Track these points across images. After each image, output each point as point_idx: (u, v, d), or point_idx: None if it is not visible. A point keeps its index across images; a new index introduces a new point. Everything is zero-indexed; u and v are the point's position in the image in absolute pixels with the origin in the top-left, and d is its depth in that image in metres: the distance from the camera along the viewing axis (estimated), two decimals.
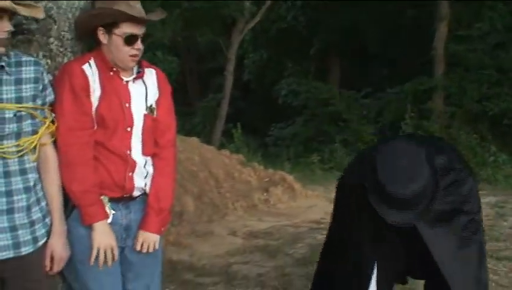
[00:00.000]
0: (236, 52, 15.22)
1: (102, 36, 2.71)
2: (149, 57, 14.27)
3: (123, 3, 2.66)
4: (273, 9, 18.45)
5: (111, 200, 2.75)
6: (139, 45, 2.72)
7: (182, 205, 7.21)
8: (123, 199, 2.78)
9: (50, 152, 2.63)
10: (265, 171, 9.47)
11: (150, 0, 13.37)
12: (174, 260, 5.95)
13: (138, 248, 2.82)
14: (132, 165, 2.75)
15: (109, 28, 2.68)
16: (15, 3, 2.40)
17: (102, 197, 2.71)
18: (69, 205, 2.69)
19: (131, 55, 2.72)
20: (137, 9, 2.70)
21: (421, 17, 16.40)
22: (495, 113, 13.19)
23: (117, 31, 2.67)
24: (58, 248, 2.62)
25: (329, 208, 8.82)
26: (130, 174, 2.76)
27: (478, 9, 14.26)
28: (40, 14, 2.57)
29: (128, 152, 2.75)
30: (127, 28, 2.68)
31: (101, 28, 2.70)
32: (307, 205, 8.66)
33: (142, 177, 2.81)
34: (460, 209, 2.72)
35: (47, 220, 2.62)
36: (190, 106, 22.70)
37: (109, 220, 2.73)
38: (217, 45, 16.26)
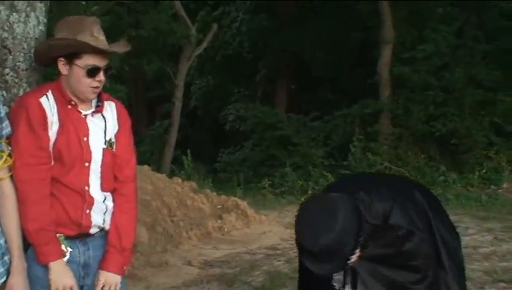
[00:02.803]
0: (184, 79, 15.19)
1: (62, 67, 2.62)
2: None
3: (87, 34, 2.59)
4: (219, 36, 18.53)
5: (67, 238, 2.64)
6: (101, 76, 2.64)
7: (135, 236, 7.06)
8: (80, 236, 2.68)
9: (7, 187, 2.53)
10: (218, 198, 9.41)
11: None
12: None
13: (99, 289, 2.72)
14: (90, 201, 2.66)
15: (70, 58, 2.59)
16: None
17: (58, 235, 2.61)
18: (25, 242, 2.58)
19: (93, 87, 2.64)
20: (101, 41, 2.63)
21: (367, 41, 16.76)
22: (442, 133, 13.47)
23: (79, 62, 2.59)
24: (18, 287, 2.51)
25: (284, 233, 8.85)
26: (88, 211, 2.66)
27: (421, 32, 14.66)
28: None
29: (86, 188, 2.65)
30: (89, 60, 2.60)
31: (61, 59, 2.60)
32: (261, 231, 8.62)
33: (100, 214, 2.71)
34: (404, 265, 2.70)
35: (6, 258, 2.51)
36: (138, 134, 22.45)
37: (66, 259, 2.62)
38: (164, 72, 16.18)
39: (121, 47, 2.85)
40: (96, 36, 2.62)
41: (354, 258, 2.59)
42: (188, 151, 13.22)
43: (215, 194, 9.65)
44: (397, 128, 14.37)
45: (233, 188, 13.04)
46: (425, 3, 14.86)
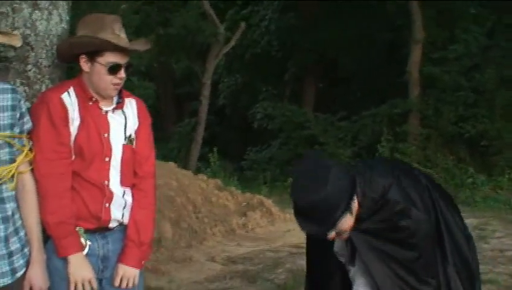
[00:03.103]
0: (211, 77, 15.25)
1: (84, 64, 2.67)
2: (125, 83, 14.18)
3: (109, 32, 2.64)
4: (247, 35, 18.56)
5: (86, 231, 2.69)
6: (122, 74, 2.69)
7: (160, 231, 7.13)
8: (99, 229, 2.73)
9: (28, 181, 2.58)
10: (243, 196, 9.44)
11: (126, 30, 13.43)
12: (153, 287, 5.85)
13: (117, 283, 2.76)
14: (109, 196, 2.71)
15: (92, 56, 2.64)
16: None
17: (77, 228, 2.66)
18: (44, 235, 2.64)
19: (114, 84, 2.69)
20: (122, 39, 2.68)
21: (396, 40, 16.62)
22: (472, 135, 13.29)
23: (101, 59, 2.64)
24: (37, 278, 2.56)
25: None
26: (107, 205, 2.70)
27: (451, 32, 14.49)
28: (18, 42, 2.55)
29: (106, 183, 2.70)
30: (111, 57, 2.64)
31: (83, 56, 2.65)
32: (285, 229, 8.62)
33: (119, 208, 2.75)
34: (400, 242, 2.69)
35: (26, 250, 2.56)
36: (166, 131, 22.63)
37: (85, 252, 2.67)
38: (193, 70, 16.29)
39: (141, 45, 2.89)
40: (117, 34, 2.67)
41: (345, 224, 2.61)
42: (215, 149, 13.29)
43: (240, 191, 9.69)
44: (426, 129, 14.22)
45: (259, 186, 13.07)
46: (456, 3, 14.66)
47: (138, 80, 15.10)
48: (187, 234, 7.50)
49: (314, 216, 2.55)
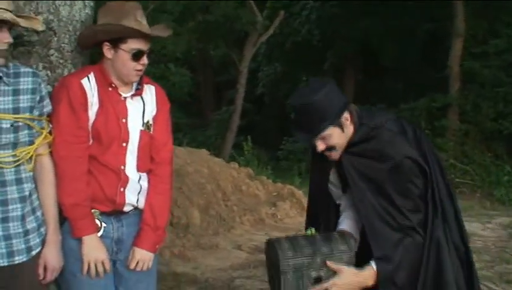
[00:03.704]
0: (248, 65, 15.25)
1: (107, 51, 2.72)
2: (162, 70, 14.32)
3: (131, 19, 2.68)
4: (288, 23, 18.49)
5: (102, 214, 2.75)
6: (144, 60, 2.74)
7: (188, 217, 7.21)
8: (114, 212, 2.79)
9: (46, 162, 2.66)
10: (274, 185, 9.44)
11: (166, 13, 13.54)
12: (178, 273, 5.94)
13: (133, 266, 2.82)
14: (124, 180, 2.76)
15: (116, 42, 2.69)
16: (15, 15, 2.43)
17: (93, 210, 2.72)
18: (62, 216, 2.71)
19: (137, 70, 2.73)
20: (144, 25, 2.73)
21: (437, 33, 16.33)
22: (511, 132, 13.02)
23: (124, 46, 2.69)
24: (52, 257, 2.63)
25: None
26: (122, 189, 2.76)
27: (493, 26, 14.16)
28: (39, 26, 2.61)
29: (122, 167, 2.76)
30: (134, 44, 2.69)
31: (107, 43, 2.70)
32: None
33: (134, 193, 2.80)
34: (390, 171, 2.72)
35: (42, 229, 2.64)
36: (205, 118, 22.78)
37: (100, 233, 2.73)
38: (231, 57, 16.33)
39: (162, 31, 2.92)
40: (139, 21, 2.72)
41: (334, 139, 2.70)
42: (249, 137, 13.31)
43: (271, 181, 9.69)
44: (464, 124, 13.95)
45: (293, 176, 13.04)
46: None
47: (175, 67, 15.17)
48: (215, 222, 7.55)
49: (304, 122, 2.69)
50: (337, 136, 2.71)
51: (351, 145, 2.76)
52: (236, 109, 14.97)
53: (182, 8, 14.36)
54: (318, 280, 2.68)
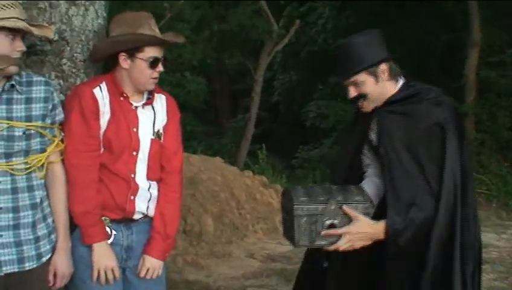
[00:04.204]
0: (264, 74, 15.27)
1: (124, 61, 2.75)
2: (178, 78, 14.39)
3: (146, 28, 2.73)
4: (304, 32, 18.50)
5: (112, 221, 2.78)
6: (160, 67, 2.78)
7: (201, 225, 7.23)
8: (124, 220, 2.82)
9: (58, 170, 2.69)
10: None
11: (183, 22, 13.63)
12: (191, 281, 5.95)
13: (143, 274, 2.85)
14: (134, 188, 2.79)
15: (132, 52, 2.72)
16: (28, 24, 2.48)
17: (103, 218, 2.75)
18: (72, 223, 2.74)
19: (153, 78, 2.77)
20: (158, 32, 2.77)
21: (454, 42, 16.26)
22: None
23: (141, 55, 2.72)
24: (62, 264, 2.66)
25: None
26: (132, 197, 2.79)
27: (511, 36, 14.07)
28: (51, 34, 2.65)
29: (132, 176, 2.79)
30: (151, 52, 2.73)
31: (123, 54, 2.73)
32: None
33: (144, 201, 2.83)
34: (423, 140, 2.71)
35: (52, 236, 2.67)
36: (221, 126, 22.83)
37: (110, 241, 2.77)
38: (247, 66, 16.37)
39: (176, 38, 2.94)
40: (153, 29, 2.76)
41: (366, 86, 2.74)
42: (263, 145, 13.31)
43: None
44: (480, 133, 13.85)
45: (307, 185, 12.98)
46: None
47: (191, 75, 15.25)
48: (228, 230, 7.56)
49: (341, 63, 2.77)
50: (370, 86, 2.74)
51: (392, 102, 2.78)
52: (252, 117, 14.99)
53: (199, 17, 14.43)
54: (332, 227, 2.68)
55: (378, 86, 2.75)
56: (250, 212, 8.15)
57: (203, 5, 14.95)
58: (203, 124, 21.08)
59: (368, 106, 2.80)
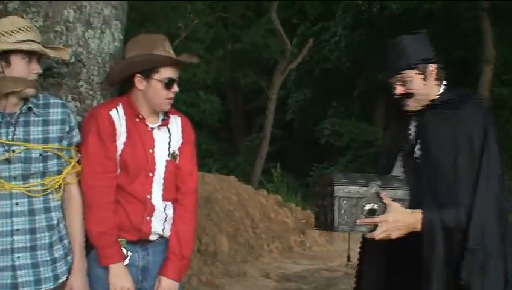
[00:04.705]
0: (278, 92, 15.34)
1: (139, 83, 2.77)
2: (192, 97, 14.51)
3: (161, 49, 2.75)
4: (318, 50, 18.57)
5: (128, 242, 2.79)
6: (175, 88, 2.80)
7: (216, 244, 7.22)
8: (140, 241, 2.82)
9: (74, 191, 2.71)
10: (303, 212, 9.42)
11: (197, 41, 13.75)
12: None
13: None
14: (150, 209, 2.79)
15: (148, 73, 2.75)
16: (44, 46, 2.51)
17: (120, 239, 2.76)
18: (89, 244, 2.75)
19: (168, 98, 2.79)
20: (172, 53, 2.80)
21: (468, 59, 16.24)
22: None
23: (157, 76, 2.74)
24: (78, 285, 2.67)
25: None
26: (148, 218, 2.79)
27: None
28: (67, 56, 2.69)
29: (148, 197, 2.79)
30: (166, 73, 2.75)
31: (138, 75, 2.76)
32: (343, 249, 8.46)
33: (160, 222, 2.84)
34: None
35: (69, 257, 2.68)
36: (234, 144, 22.87)
37: (126, 262, 2.77)
38: (260, 84, 16.45)
39: (190, 58, 2.96)
40: (168, 50, 2.78)
41: (414, 85, 2.69)
42: (278, 164, 13.31)
43: (300, 208, 9.67)
44: None
45: None
46: None
47: (206, 94, 15.36)
48: (243, 249, 7.55)
49: (389, 60, 2.75)
50: (418, 84, 2.71)
51: (436, 104, 2.73)
52: (266, 135, 15.02)
53: (212, 36, 14.56)
54: (372, 212, 2.60)
55: (426, 85, 2.72)
56: (265, 232, 8.14)
57: (216, 25, 15.08)
58: (217, 143, 21.15)
59: (413, 106, 2.74)
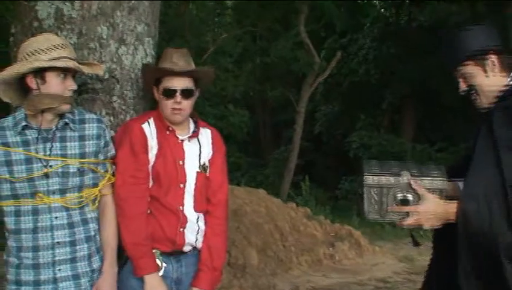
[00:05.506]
0: (306, 105, 15.35)
1: (156, 94, 2.86)
2: (221, 110, 14.60)
3: (167, 61, 2.80)
4: (346, 63, 18.57)
5: (162, 254, 2.83)
6: (177, 98, 2.79)
7: (245, 257, 7.23)
8: (174, 253, 2.86)
9: (109, 202, 2.78)
10: (332, 226, 9.38)
11: (225, 55, 13.87)
12: None
13: None
14: (183, 220, 2.83)
15: (157, 84, 2.83)
16: (78, 62, 2.58)
17: (154, 250, 2.80)
18: (124, 256, 2.79)
19: (172, 109, 2.80)
20: (179, 66, 2.80)
21: None
22: None
23: (160, 86, 2.82)
24: (105, 287, 2.71)
25: (397, 266, 8.68)
26: (181, 229, 2.83)
27: None
28: (101, 71, 2.75)
29: (181, 208, 2.83)
30: (167, 83, 2.80)
31: (154, 86, 2.85)
32: (373, 262, 8.50)
33: (193, 233, 2.87)
34: None
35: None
36: (263, 157, 22.92)
37: (161, 273, 2.80)
38: (289, 98, 16.49)
39: (204, 71, 2.98)
40: (174, 61, 2.80)
41: (474, 78, 2.59)
42: (306, 176, 13.30)
43: (329, 221, 9.64)
44: None
45: (351, 216, 12.92)
46: None
47: (235, 108, 15.44)
48: (273, 262, 7.54)
49: (446, 54, 2.66)
50: (478, 78, 2.58)
51: (503, 97, 2.56)
52: (294, 148, 15.03)
53: (241, 50, 14.67)
54: (405, 201, 2.55)
55: (488, 78, 2.58)
56: (294, 245, 8.13)
57: (245, 39, 15.19)
58: (246, 156, 21.22)
59: (480, 102, 2.61)
